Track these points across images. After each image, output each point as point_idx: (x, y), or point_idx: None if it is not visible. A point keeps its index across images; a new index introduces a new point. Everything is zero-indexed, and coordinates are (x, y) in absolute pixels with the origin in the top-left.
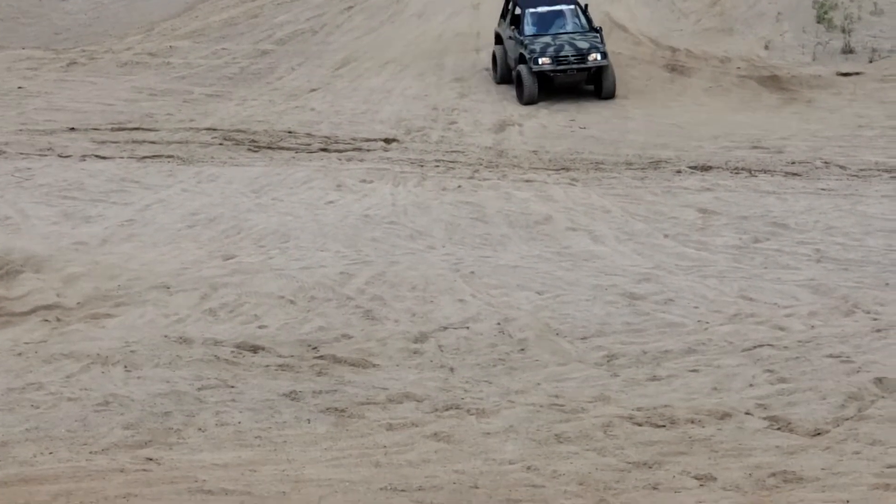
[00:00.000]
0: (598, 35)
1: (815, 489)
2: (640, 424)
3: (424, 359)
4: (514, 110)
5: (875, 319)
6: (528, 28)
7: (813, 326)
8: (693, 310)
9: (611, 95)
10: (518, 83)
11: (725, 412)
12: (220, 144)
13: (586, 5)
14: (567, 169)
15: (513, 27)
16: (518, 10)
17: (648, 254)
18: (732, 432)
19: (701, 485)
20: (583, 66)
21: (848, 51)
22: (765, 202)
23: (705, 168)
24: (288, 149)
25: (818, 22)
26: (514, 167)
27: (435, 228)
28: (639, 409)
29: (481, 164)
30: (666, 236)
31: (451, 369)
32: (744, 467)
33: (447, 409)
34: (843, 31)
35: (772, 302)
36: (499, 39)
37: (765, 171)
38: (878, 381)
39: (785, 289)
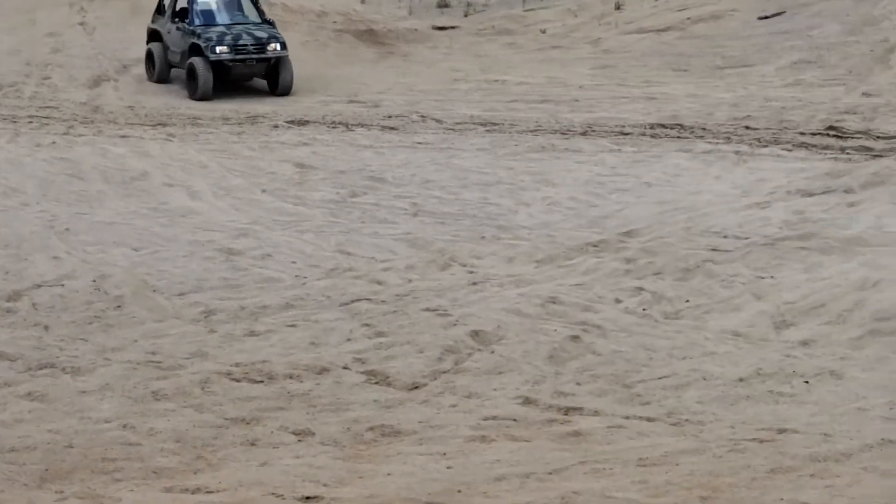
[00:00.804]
0: (273, 26)
1: (412, 442)
2: (237, 380)
3: (18, 317)
4: (109, 65)
5: (471, 273)
6: (198, 19)
7: (410, 280)
8: (291, 265)
9: (288, 90)
10: (191, 77)
11: (323, 367)
12: None
13: None
14: (164, 124)
15: (177, 20)
16: (185, 3)
17: (246, 209)
18: (330, 387)
19: (299, 440)
20: (263, 55)
21: (443, 5)
22: (362, 156)
23: (302, 122)
24: None
25: None
26: (110, 123)
27: (29, 185)
28: (237, 365)
29: (76, 120)
30: (263, 191)
31: (46, 327)
32: (342, 422)
33: (41, 368)
34: None
35: (369, 256)
36: (154, 36)
37: (362, 125)
38: (475, 333)
39: (382, 243)
